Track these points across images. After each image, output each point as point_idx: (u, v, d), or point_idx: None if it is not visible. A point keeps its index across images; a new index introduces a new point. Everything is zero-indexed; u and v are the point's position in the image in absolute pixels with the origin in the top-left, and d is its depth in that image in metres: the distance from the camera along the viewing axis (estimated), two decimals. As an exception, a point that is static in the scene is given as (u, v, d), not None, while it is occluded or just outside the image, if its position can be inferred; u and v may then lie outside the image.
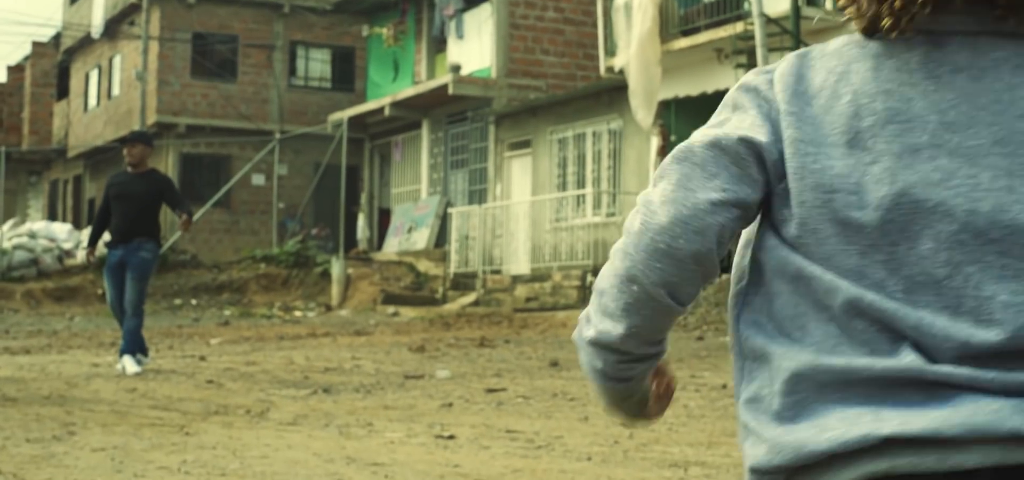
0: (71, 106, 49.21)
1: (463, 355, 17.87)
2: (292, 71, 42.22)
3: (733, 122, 1.92)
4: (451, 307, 29.07)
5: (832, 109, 1.83)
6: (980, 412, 1.67)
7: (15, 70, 51.02)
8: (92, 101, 47.21)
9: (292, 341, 21.30)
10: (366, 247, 37.99)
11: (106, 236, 15.34)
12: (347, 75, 42.53)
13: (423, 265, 33.09)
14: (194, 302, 32.03)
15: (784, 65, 1.91)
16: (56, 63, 50.92)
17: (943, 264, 1.74)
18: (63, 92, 50.47)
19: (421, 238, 34.44)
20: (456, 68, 32.93)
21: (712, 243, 1.85)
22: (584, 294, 26.41)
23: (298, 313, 30.15)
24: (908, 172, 1.76)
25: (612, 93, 28.17)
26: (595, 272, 26.38)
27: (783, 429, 1.79)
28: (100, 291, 31.85)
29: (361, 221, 39.22)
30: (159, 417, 10.04)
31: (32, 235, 34.06)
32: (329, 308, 31.10)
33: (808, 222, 1.82)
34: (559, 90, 31.40)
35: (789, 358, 1.82)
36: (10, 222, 36.94)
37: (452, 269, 31.44)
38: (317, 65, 42.78)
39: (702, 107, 26.80)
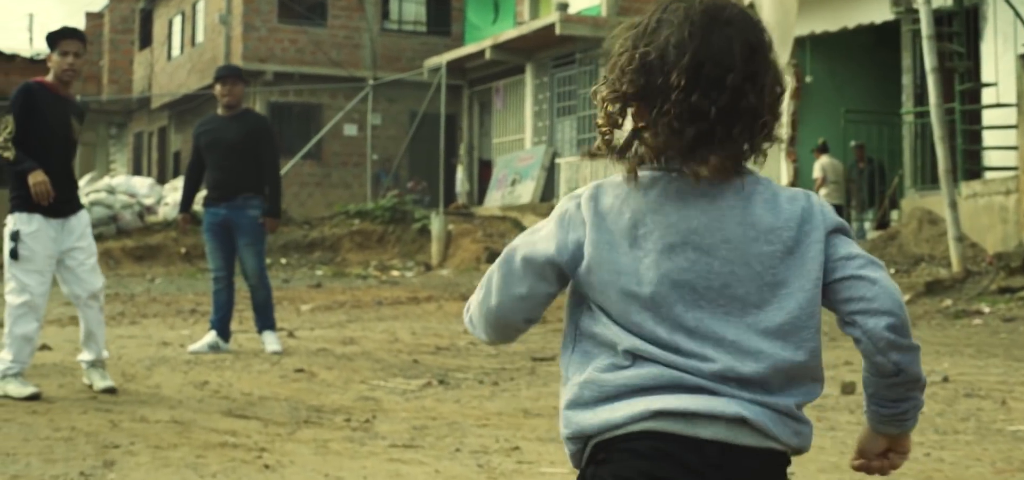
0: (154, 55, 47.16)
1: (592, 327, 15.39)
2: (385, 14, 39.79)
3: (542, 241, 2.67)
4: (561, 265, 26.57)
5: (619, 221, 2.59)
6: (716, 403, 2.49)
7: (94, 17, 48.91)
8: (176, 49, 45.14)
9: (392, 308, 18.93)
10: (466, 201, 35.67)
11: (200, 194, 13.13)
12: (443, 17, 40.03)
13: (529, 220, 30.61)
14: (284, 261, 29.76)
15: (587, 192, 2.66)
16: (137, 9, 48.83)
17: (691, 319, 2.54)
18: (146, 41, 48.41)
19: (526, 191, 32.01)
20: (563, 6, 30.39)
21: (529, 315, 2.73)
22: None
23: (396, 273, 27.81)
24: (667, 262, 2.55)
25: (738, 30, 25.54)
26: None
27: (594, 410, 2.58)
28: (184, 250, 29.70)
29: (460, 173, 36.91)
30: (232, 432, 7.61)
31: (111, 190, 31.87)
32: (428, 267, 28.74)
33: (604, 292, 2.57)
34: (677, 29, 28.75)
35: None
36: (87, 176, 34.77)
37: (561, 225, 28.91)
38: (412, 7, 40.29)
39: (842, 45, 24.26)
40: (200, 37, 42.17)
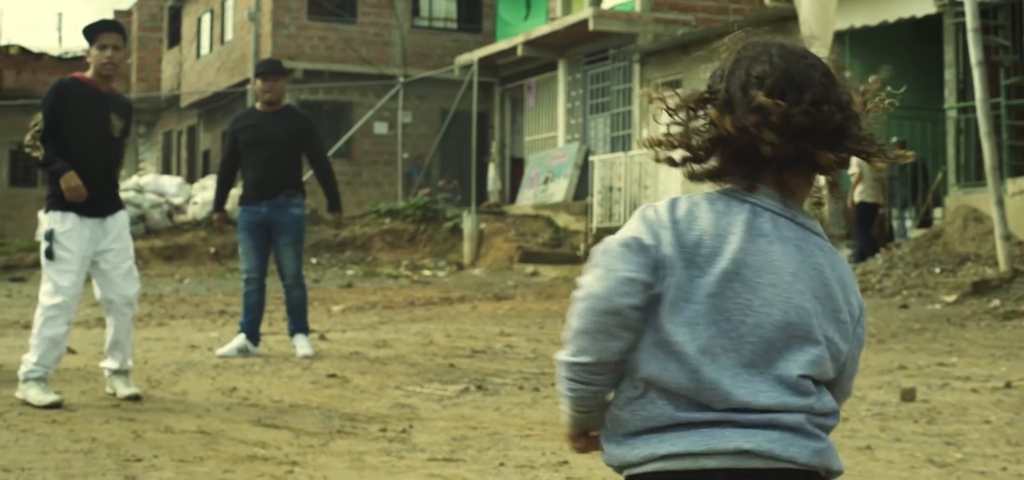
0: (183, 53, 46.83)
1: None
2: (415, 11, 39.31)
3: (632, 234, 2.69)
4: (595, 266, 26.09)
5: (687, 235, 2.65)
6: (716, 440, 2.55)
7: (122, 15, 48.50)
8: (205, 47, 44.73)
9: (425, 308, 18.54)
10: (497, 200, 35.20)
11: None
12: (474, 14, 39.57)
13: (562, 219, 30.24)
14: (314, 261, 29.38)
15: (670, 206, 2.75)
16: (166, 7, 48.48)
17: (717, 348, 2.60)
18: (175, 39, 48.07)
19: (559, 190, 31.55)
20: (596, 1, 29.95)
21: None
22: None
23: (427, 272, 27.42)
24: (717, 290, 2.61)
25: (774, 25, 25.03)
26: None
27: None
28: (213, 249, 29.36)
29: (492, 172, 36.43)
30: (261, 443, 7.20)
31: (139, 189, 31.52)
32: (461, 267, 28.34)
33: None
34: (712, 23, 28.15)
35: None
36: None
37: (594, 224, 28.54)
38: (442, 4, 39.79)
39: (882, 40, 23.74)
40: (229, 35, 41.78)
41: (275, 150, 11.63)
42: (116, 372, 8.88)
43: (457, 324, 15.72)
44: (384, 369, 10.74)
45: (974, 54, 17.59)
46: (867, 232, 21.90)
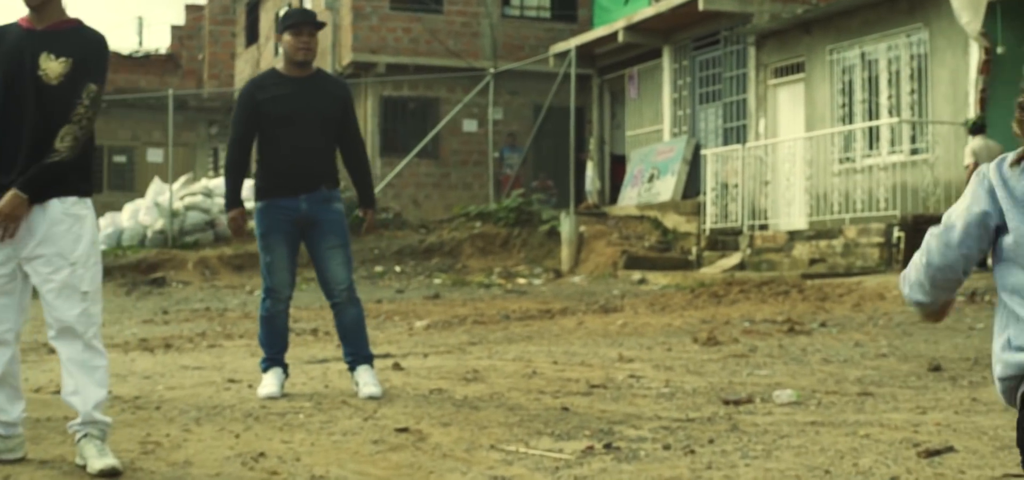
0: (261, 51, 44.39)
1: (777, 349, 12.17)
2: (506, 0, 36.63)
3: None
4: (710, 271, 23.40)
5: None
6: None
7: (194, 10, 46.10)
8: (283, 44, 42.21)
9: (522, 324, 15.81)
10: (597, 200, 32.53)
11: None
12: (570, 1, 36.76)
13: (670, 220, 27.44)
14: (398, 269, 26.79)
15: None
16: (244, 2, 46.09)
17: None
18: (253, 36, 45.67)
19: (665, 188, 28.72)
20: (706, -20, 27.10)
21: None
22: (889, 253, 20.44)
23: (522, 281, 24.73)
24: None
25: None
26: (902, 224, 20.42)
27: None
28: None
29: (590, 170, 33.69)
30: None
31: (207, 193, 29.07)
32: (559, 274, 25.65)
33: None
34: (835, 0, 25.13)
35: None
36: (183, 178, 31.87)
37: (708, 224, 25.78)
38: (535, -9, 37.15)
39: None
40: (308, 28, 39.21)
41: (313, 126, 8.88)
42: (85, 431, 6.14)
43: (563, 345, 12.93)
44: (475, 416, 7.95)
45: None
46: None
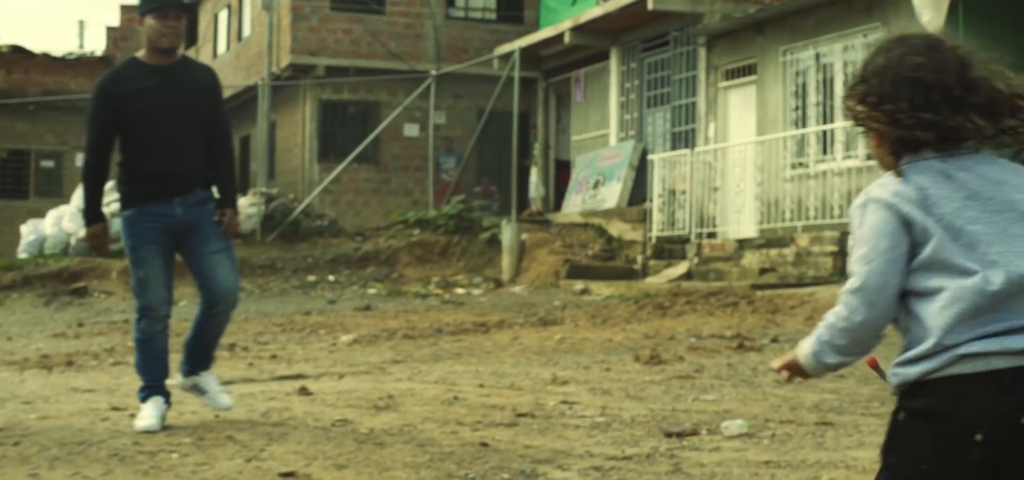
0: (200, 54, 43.22)
1: (726, 369, 11.17)
2: (450, 1, 35.56)
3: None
4: (656, 281, 22.44)
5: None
6: None
7: (128, 11, 44.60)
8: (222, 46, 41.16)
9: (454, 339, 14.76)
10: (541, 207, 31.52)
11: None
12: (516, 3, 35.74)
13: (615, 228, 26.43)
14: (332, 278, 25.68)
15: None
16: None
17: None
18: (192, 39, 44.44)
19: (611, 194, 27.71)
20: (656, -22, 26.10)
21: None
22: (842, 263, 19.50)
23: (461, 291, 23.69)
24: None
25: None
26: (858, 233, 19.39)
27: None
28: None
29: (534, 176, 32.69)
30: None
31: (134, 199, 27.85)
32: (499, 283, 24.61)
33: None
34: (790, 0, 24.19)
35: None
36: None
37: (654, 232, 24.80)
38: (480, -9, 36.13)
39: (999, 6, 19.94)
40: (247, 31, 38.16)
41: (185, 120, 7.80)
42: None
43: (494, 364, 11.86)
44: (378, 456, 6.86)
45: None
46: None
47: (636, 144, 28.08)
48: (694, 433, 7.70)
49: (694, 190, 24.18)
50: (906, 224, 3.15)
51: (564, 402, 8.97)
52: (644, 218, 25.53)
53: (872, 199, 3.19)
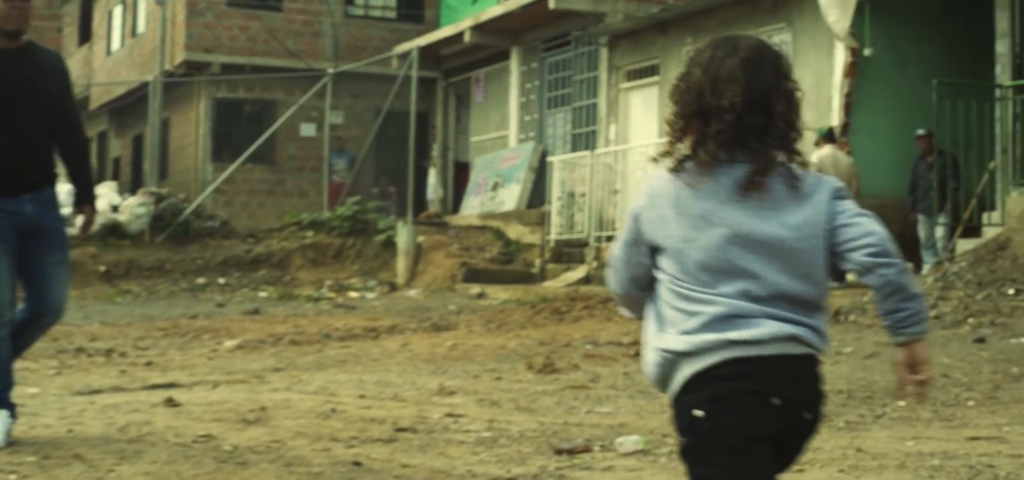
0: (94, 51, 42.20)
1: (622, 378, 10.66)
2: (349, -1, 34.91)
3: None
4: (554, 285, 21.93)
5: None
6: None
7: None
8: (116, 42, 40.14)
9: (341, 346, 14.17)
10: (439, 209, 30.93)
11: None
12: (416, 0, 35.07)
13: (514, 231, 25.91)
14: (222, 281, 24.92)
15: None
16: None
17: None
18: (87, 35, 43.35)
19: (510, 197, 27.22)
20: (557, -23, 25.62)
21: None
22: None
23: (354, 294, 23.06)
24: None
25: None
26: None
27: None
28: (103, 268, 24.87)
29: (432, 178, 32.06)
30: None
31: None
32: (394, 287, 23.99)
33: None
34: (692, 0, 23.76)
35: None
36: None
37: (553, 235, 24.37)
38: (379, -11, 35.44)
39: (906, 12, 19.70)
40: (141, 26, 37.20)
41: (33, 108, 7.14)
42: None
43: (380, 372, 11.25)
44: (238, 476, 6.25)
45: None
46: None
47: (536, 146, 27.60)
48: (586, 450, 7.17)
49: (594, 193, 23.74)
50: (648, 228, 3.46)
51: (449, 415, 8.40)
52: (543, 221, 25.06)
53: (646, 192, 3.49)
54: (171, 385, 10.27)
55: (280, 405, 8.75)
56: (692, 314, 3.36)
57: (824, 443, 7.33)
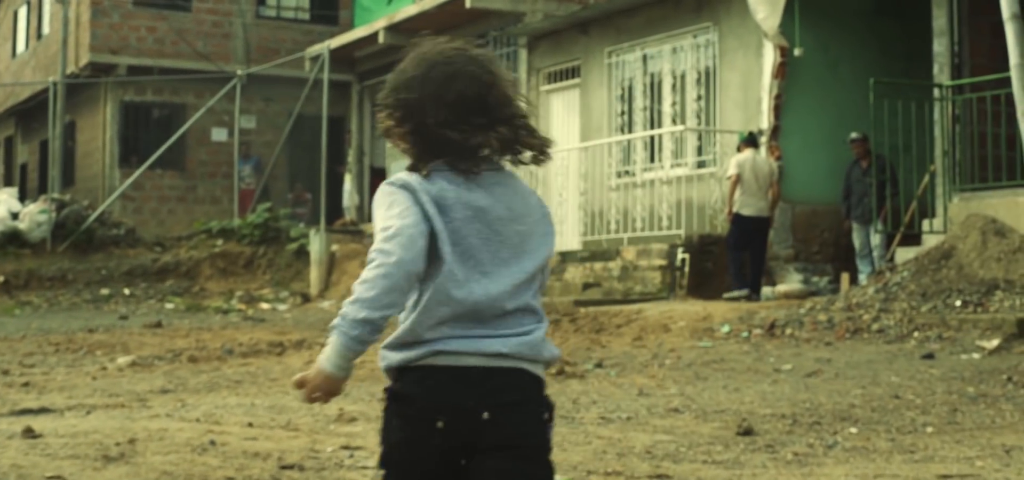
0: (-1, 53, 40.93)
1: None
2: (260, -1, 33.81)
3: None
4: (474, 296, 20.87)
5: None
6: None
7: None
8: (20, 44, 38.84)
9: (242, 363, 13.19)
10: (354, 217, 29.82)
11: None
12: (330, 2, 34.02)
13: (433, 238, 24.90)
14: (127, 291, 23.86)
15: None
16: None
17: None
18: (-9, 38, 42.10)
19: (428, 203, 26.15)
20: (474, -24, 24.72)
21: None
22: (672, 278, 18.28)
23: (265, 305, 22.10)
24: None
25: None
26: (687, 245, 18.34)
27: None
28: (2, 278, 23.72)
29: (348, 184, 30.99)
30: None
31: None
32: (306, 298, 23.05)
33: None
34: None
35: None
36: None
37: (472, 242, 23.23)
38: (292, -10, 34.35)
39: (835, 12, 18.98)
40: (46, 28, 35.93)
41: None
42: None
43: (276, 395, 10.24)
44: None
45: (1007, 6, 12.84)
46: (739, 257, 17.30)
47: (454, 150, 26.64)
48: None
49: (514, 198, 22.78)
50: (426, 217, 3.23)
51: (345, 447, 7.43)
52: (462, 228, 24.10)
53: (402, 184, 3.28)
54: (42, 410, 9.24)
55: (153, 436, 7.73)
56: None
57: (765, 475, 6.44)
